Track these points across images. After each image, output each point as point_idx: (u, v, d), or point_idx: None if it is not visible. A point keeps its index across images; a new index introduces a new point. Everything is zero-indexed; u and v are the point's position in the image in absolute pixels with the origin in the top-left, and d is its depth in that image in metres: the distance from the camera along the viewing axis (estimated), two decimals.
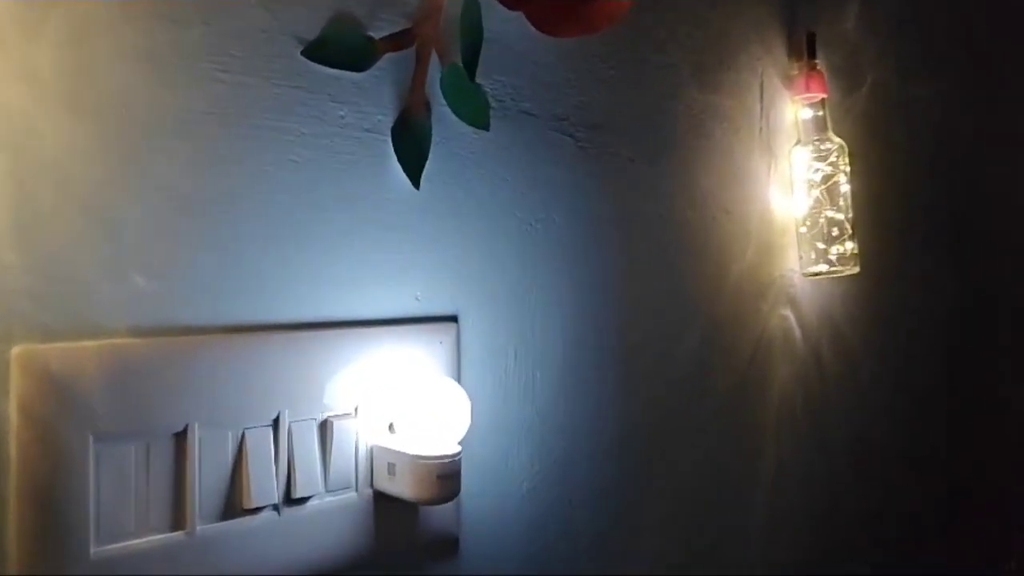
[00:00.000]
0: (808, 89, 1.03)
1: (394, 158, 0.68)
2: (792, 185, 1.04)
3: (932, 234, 1.30)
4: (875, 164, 1.17)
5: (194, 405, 0.57)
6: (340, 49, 0.64)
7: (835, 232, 1.03)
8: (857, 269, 1.04)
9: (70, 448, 0.52)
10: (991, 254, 1.40)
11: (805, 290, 1.07)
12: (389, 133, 0.68)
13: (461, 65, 0.69)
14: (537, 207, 0.79)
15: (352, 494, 0.65)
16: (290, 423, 0.61)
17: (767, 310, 1.02)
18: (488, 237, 0.75)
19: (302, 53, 0.63)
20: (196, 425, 0.57)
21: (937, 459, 1.32)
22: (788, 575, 1.06)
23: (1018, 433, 1.40)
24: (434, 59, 0.69)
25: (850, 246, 1.03)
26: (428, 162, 0.69)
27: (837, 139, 1.04)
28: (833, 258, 1.03)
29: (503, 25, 0.74)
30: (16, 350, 0.51)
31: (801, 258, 1.04)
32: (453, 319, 0.72)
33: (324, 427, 0.63)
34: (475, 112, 0.71)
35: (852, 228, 1.04)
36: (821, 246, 1.03)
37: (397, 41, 0.67)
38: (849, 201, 1.04)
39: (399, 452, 0.63)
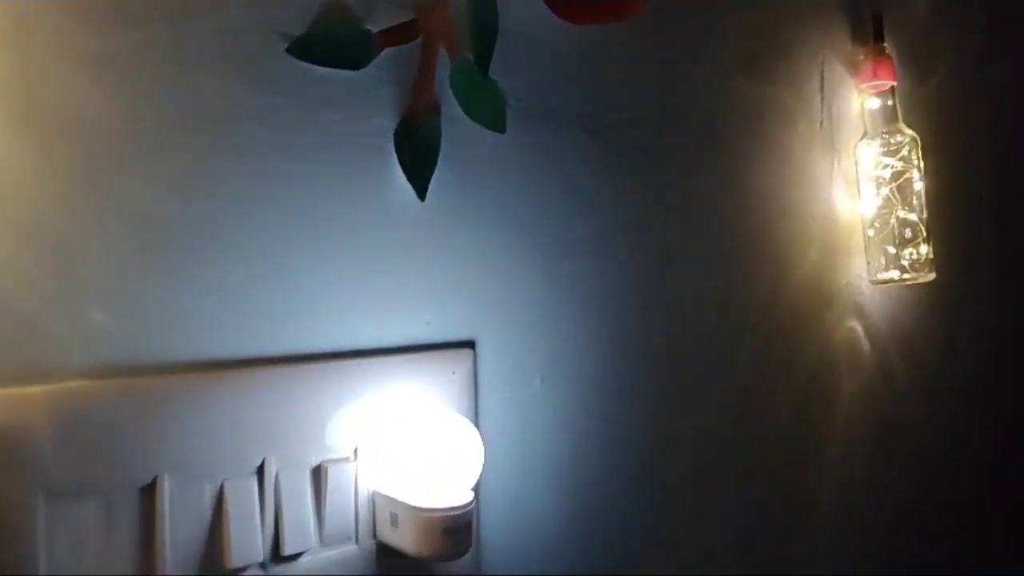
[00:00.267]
0: (876, 76, 1.00)
1: (398, 167, 0.64)
2: (859, 183, 1.02)
3: (1015, 236, 1.24)
4: (951, 158, 1.12)
5: (163, 454, 0.52)
6: (332, 45, 0.60)
7: (907, 234, 1.00)
8: (932, 275, 1.01)
9: (17, 509, 0.47)
10: None
11: (874, 299, 1.04)
12: (391, 139, 0.64)
13: (472, 59, 0.64)
14: (562, 217, 0.75)
15: (352, 547, 0.60)
16: (277, 470, 0.57)
17: (832, 321, 0.98)
18: (508, 252, 0.71)
19: (288, 50, 0.58)
20: (166, 477, 0.52)
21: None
22: None
23: None
24: (442, 53, 0.65)
25: (924, 250, 1.00)
26: (436, 170, 0.65)
27: (909, 131, 1.01)
28: (905, 263, 1.00)
29: (520, 13, 0.70)
30: None
31: (869, 264, 1.02)
32: (470, 344, 0.68)
33: (318, 473, 0.59)
34: (490, 112, 0.66)
35: (926, 230, 1.00)
36: (892, 250, 1.00)
37: (398, 34, 0.63)
38: (923, 200, 1.01)
39: (400, 502, 0.58)
